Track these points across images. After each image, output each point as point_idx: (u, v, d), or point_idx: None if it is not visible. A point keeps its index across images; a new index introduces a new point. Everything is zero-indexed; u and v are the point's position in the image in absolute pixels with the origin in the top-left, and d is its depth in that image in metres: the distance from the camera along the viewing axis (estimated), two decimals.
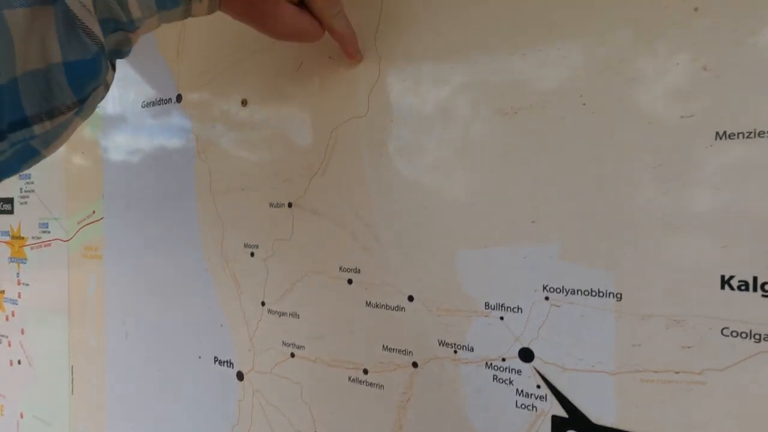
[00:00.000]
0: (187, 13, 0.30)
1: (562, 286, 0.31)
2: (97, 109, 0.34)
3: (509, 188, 0.32)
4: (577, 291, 0.30)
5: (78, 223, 0.63)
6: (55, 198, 0.67)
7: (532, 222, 0.32)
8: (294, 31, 0.34)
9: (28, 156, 0.26)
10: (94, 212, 0.61)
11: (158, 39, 0.54)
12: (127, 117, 0.57)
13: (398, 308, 0.37)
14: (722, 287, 0.26)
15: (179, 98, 0.52)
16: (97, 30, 0.25)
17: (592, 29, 0.29)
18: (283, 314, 0.44)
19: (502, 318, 0.33)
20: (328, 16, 0.34)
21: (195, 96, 0.50)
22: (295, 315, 0.44)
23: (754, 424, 0.25)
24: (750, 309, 0.25)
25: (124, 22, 0.26)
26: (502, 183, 0.33)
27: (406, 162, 0.37)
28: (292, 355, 0.44)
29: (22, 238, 0.73)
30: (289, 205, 0.43)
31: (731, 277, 0.26)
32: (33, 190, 0.71)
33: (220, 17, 0.33)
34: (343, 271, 0.40)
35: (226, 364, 0.48)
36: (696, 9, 0.27)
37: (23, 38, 0.23)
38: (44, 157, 0.28)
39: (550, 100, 0.31)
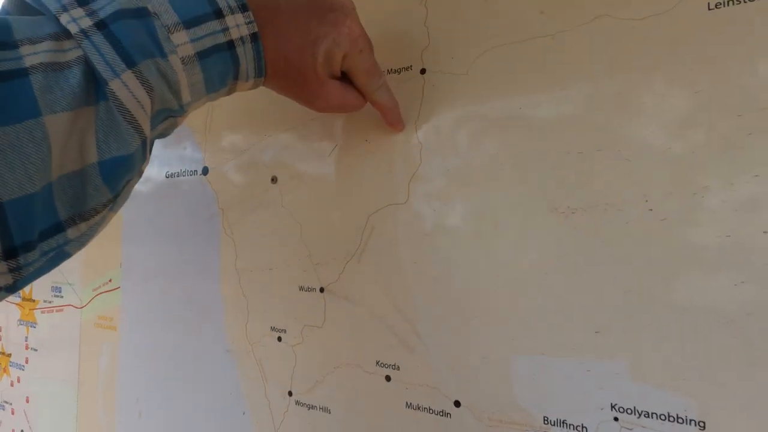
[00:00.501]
0: (231, 91, 0.29)
1: (634, 407, 0.28)
2: None
3: (568, 293, 0.30)
4: (652, 414, 0.27)
5: (93, 291, 0.61)
6: (70, 261, 0.65)
7: (596, 332, 0.29)
8: (338, 106, 0.34)
9: (60, 260, 0.25)
10: (110, 280, 0.59)
11: None
12: (149, 186, 0.55)
13: (443, 413, 0.34)
14: None
15: (205, 171, 0.50)
16: (146, 125, 0.24)
17: (658, 133, 0.28)
18: (312, 407, 0.41)
19: None
20: (371, 90, 0.34)
21: (222, 169, 0.49)
22: (325, 409, 0.40)
23: None
24: None
25: (175, 109, 0.26)
26: (561, 286, 0.30)
27: (450, 257, 0.35)
28: None
29: (34, 300, 0.70)
30: (321, 290, 0.41)
31: None
32: None
33: (256, 92, 0.32)
34: (380, 366, 0.38)
35: None
36: None
37: (62, 144, 0.22)
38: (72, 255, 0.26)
39: (611, 203, 0.29)
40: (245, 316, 0.46)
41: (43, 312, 0.69)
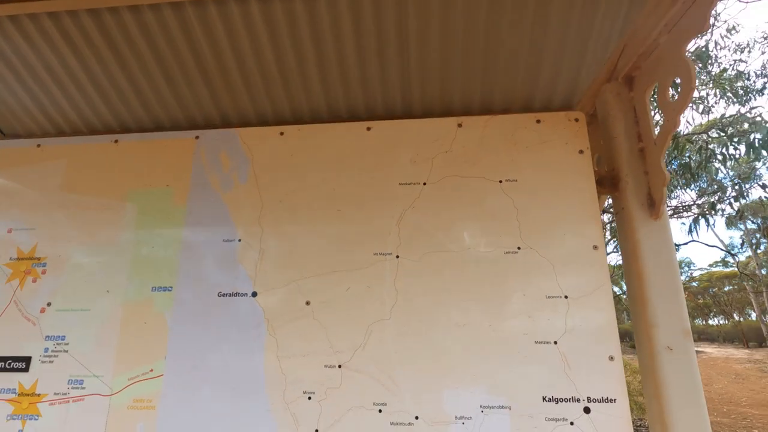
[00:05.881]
0: None
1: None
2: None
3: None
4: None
5: (129, 379, 0.80)
6: (97, 354, 0.81)
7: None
8: None
9: None
10: (151, 370, 0.80)
11: (239, 249, 0.85)
12: (201, 302, 0.83)
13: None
14: None
15: (254, 294, 0.82)
16: None
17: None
18: None
19: None
20: None
21: (269, 293, 0.82)
22: None
23: None
24: None
25: None
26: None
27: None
28: None
29: (38, 395, 0.81)
30: (339, 366, 0.76)
31: None
32: (66, 350, 0.83)
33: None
34: (375, 405, 0.73)
35: None
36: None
37: None
38: None
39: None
40: (283, 386, 0.76)
41: (51, 404, 0.81)
